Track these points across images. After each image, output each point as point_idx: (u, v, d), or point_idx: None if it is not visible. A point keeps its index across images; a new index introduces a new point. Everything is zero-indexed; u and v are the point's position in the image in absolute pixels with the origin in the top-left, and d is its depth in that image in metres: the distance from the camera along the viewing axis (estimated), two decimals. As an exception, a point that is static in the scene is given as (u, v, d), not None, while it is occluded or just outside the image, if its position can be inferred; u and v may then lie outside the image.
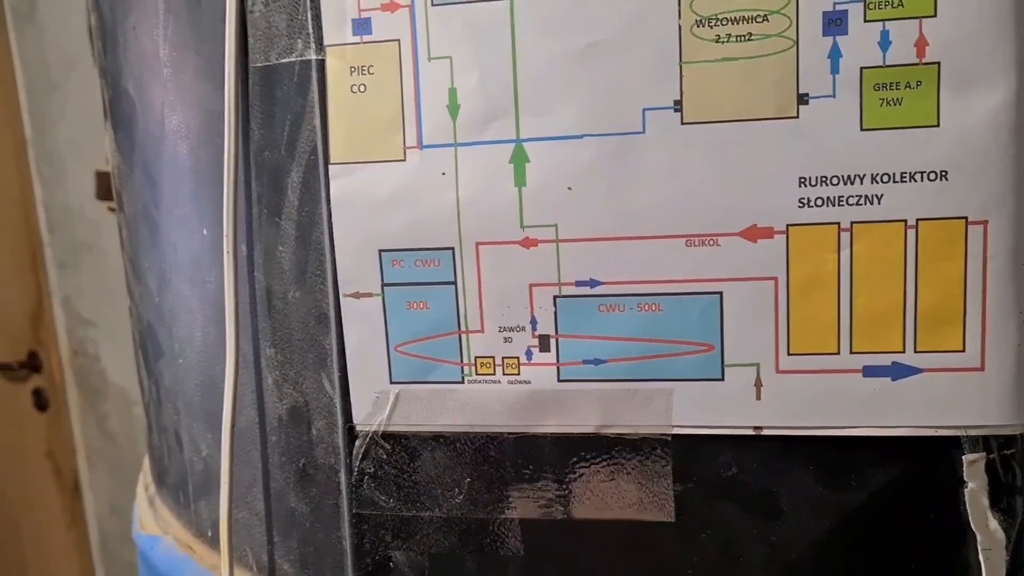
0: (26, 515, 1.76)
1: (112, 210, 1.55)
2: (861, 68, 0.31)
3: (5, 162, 1.65)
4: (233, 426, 0.40)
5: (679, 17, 0.32)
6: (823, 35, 0.31)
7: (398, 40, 0.34)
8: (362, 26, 0.34)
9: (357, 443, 0.37)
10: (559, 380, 0.35)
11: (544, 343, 0.35)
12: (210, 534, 0.45)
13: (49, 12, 1.55)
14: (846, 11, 0.31)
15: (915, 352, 0.32)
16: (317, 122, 0.35)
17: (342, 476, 0.38)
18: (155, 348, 0.47)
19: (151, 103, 0.42)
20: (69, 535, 1.78)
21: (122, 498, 1.71)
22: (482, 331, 0.35)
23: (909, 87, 0.31)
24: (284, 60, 0.36)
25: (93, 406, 1.71)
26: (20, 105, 1.64)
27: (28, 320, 1.71)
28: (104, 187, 1.53)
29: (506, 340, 0.35)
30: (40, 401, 1.75)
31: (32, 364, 1.73)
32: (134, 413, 1.65)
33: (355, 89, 0.35)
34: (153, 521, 0.51)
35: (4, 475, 1.72)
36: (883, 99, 0.31)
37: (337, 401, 0.37)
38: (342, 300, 0.36)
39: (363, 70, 0.34)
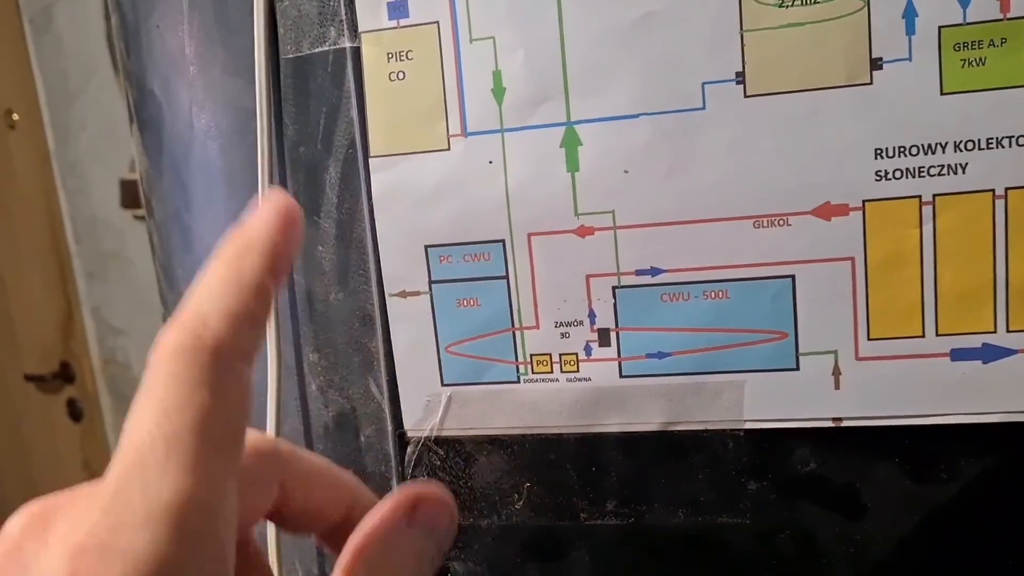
0: (65, 526, 1.76)
1: (138, 218, 1.55)
2: (939, 27, 0.29)
3: (30, 175, 1.65)
4: (278, 435, 0.38)
5: (738, -18, 0.30)
6: (896, -6, 0.29)
7: (437, 22, 0.32)
8: (398, 9, 0.32)
9: (409, 450, 0.35)
10: (621, 376, 0.33)
11: (604, 337, 0.33)
12: (257, 547, 0.44)
13: (66, 22, 1.55)
14: (921, -34, 0.28)
15: (1008, 332, 0.30)
16: (354, 114, 0.34)
17: (394, 484, 0.36)
18: (192, 357, 0.45)
19: (178, 103, 0.41)
20: (108, 544, 1.79)
21: (159, 506, 1.71)
22: (537, 327, 0.33)
23: (993, 45, 0.28)
24: (317, 50, 0.34)
25: (126, 415, 1.71)
26: (42, 118, 1.65)
27: (59, 331, 1.71)
28: (129, 195, 1.52)
29: (563, 336, 0.33)
30: (74, 411, 1.75)
31: (65, 375, 1.73)
32: (168, 420, 1.64)
33: (393, 77, 0.33)
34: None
35: (42, 487, 1.72)
36: (964, 60, 0.29)
37: (386, 406, 0.36)
38: (388, 300, 0.34)
39: (401, 56, 0.32)
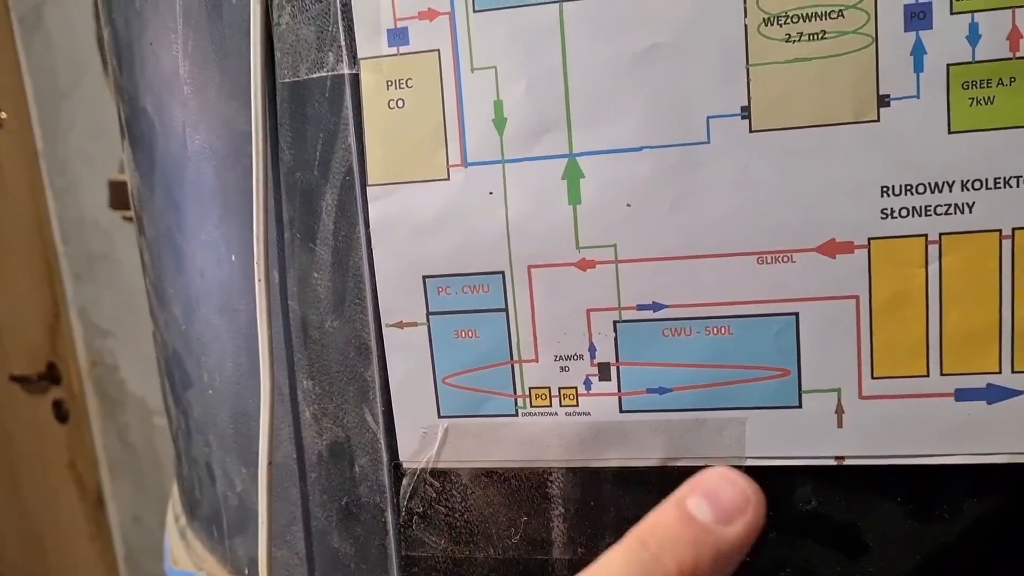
0: (50, 527, 1.75)
1: (127, 219, 1.54)
2: (948, 65, 0.28)
3: (18, 175, 1.64)
4: (271, 463, 0.37)
5: (745, 15, 0.29)
6: (905, 30, 0.28)
7: (438, 50, 0.31)
8: (398, 36, 0.32)
9: (404, 481, 0.35)
10: (621, 411, 0.32)
11: (604, 372, 0.32)
12: (247, 572, 0.43)
13: (55, 21, 1.53)
14: (930, 3, 0.28)
15: (1013, 372, 0.29)
16: (352, 140, 0.33)
17: (388, 516, 0.36)
18: (183, 377, 0.44)
19: (171, 122, 0.40)
20: (93, 546, 1.78)
21: (145, 508, 1.70)
22: (536, 360, 0.33)
23: (1002, 84, 0.28)
24: (315, 75, 0.33)
25: (113, 417, 1.70)
26: (31, 116, 1.63)
27: (46, 332, 1.70)
28: (118, 196, 1.51)
29: (563, 369, 0.33)
30: (60, 413, 1.74)
31: (51, 376, 1.72)
32: (154, 423, 1.64)
33: (393, 104, 0.32)
34: (186, 555, 0.49)
35: (27, 488, 1.72)
36: (973, 98, 0.28)
37: (381, 437, 0.35)
38: (384, 330, 0.34)
39: (401, 83, 0.32)
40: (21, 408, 1.75)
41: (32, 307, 1.70)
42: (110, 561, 1.78)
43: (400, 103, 0.32)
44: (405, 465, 0.35)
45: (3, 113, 1.64)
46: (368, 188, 0.33)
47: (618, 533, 0.33)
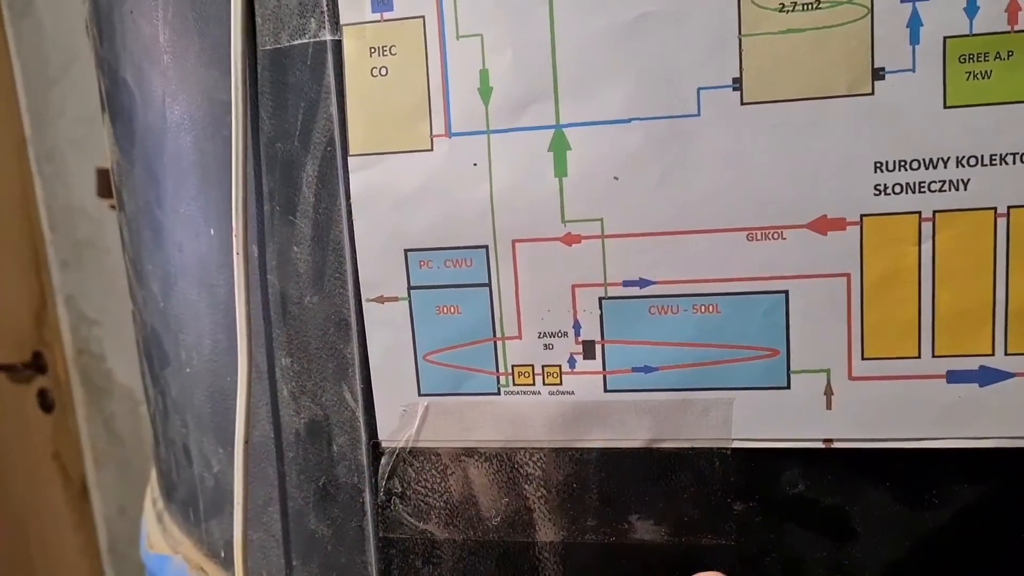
0: (33, 517, 1.74)
1: (114, 207, 1.52)
2: (944, 38, 0.27)
3: (5, 161, 1.62)
4: (247, 441, 0.37)
5: (738, -15, 0.28)
6: (901, 1, 0.28)
7: (423, 17, 0.31)
8: (382, 2, 0.31)
9: (383, 460, 0.34)
10: (605, 390, 0.32)
11: (589, 350, 0.31)
12: (223, 555, 0.42)
13: (46, 6, 1.52)
14: (927, -26, 0.27)
15: (1006, 355, 0.29)
16: (334, 110, 0.32)
17: (367, 496, 0.35)
18: (160, 356, 0.44)
19: (151, 93, 0.39)
20: (77, 537, 1.76)
21: (130, 499, 1.68)
22: (520, 337, 0.32)
23: (999, 58, 0.27)
24: (296, 42, 0.32)
25: (99, 406, 1.69)
26: (19, 102, 1.62)
27: (32, 320, 1.68)
28: (105, 184, 1.50)
29: (546, 347, 0.32)
30: (45, 402, 1.72)
31: (36, 365, 1.70)
32: (140, 413, 1.62)
33: (376, 72, 0.31)
34: (162, 539, 0.48)
35: (10, 477, 1.70)
36: (969, 72, 0.28)
37: (360, 415, 0.34)
38: (364, 305, 0.33)
39: (384, 51, 0.31)
40: (5, 397, 1.73)
41: (18, 295, 1.69)
42: (93, 552, 1.77)
43: (383, 71, 0.31)
44: (384, 444, 0.34)
45: (-9, 98, 1.62)
46: (349, 158, 0.32)
47: (601, 516, 0.32)
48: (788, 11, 0.28)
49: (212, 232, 0.37)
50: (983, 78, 0.27)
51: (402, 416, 0.33)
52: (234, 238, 0.35)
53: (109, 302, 1.60)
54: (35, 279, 1.67)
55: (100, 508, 1.75)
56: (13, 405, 1.70)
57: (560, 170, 0.30)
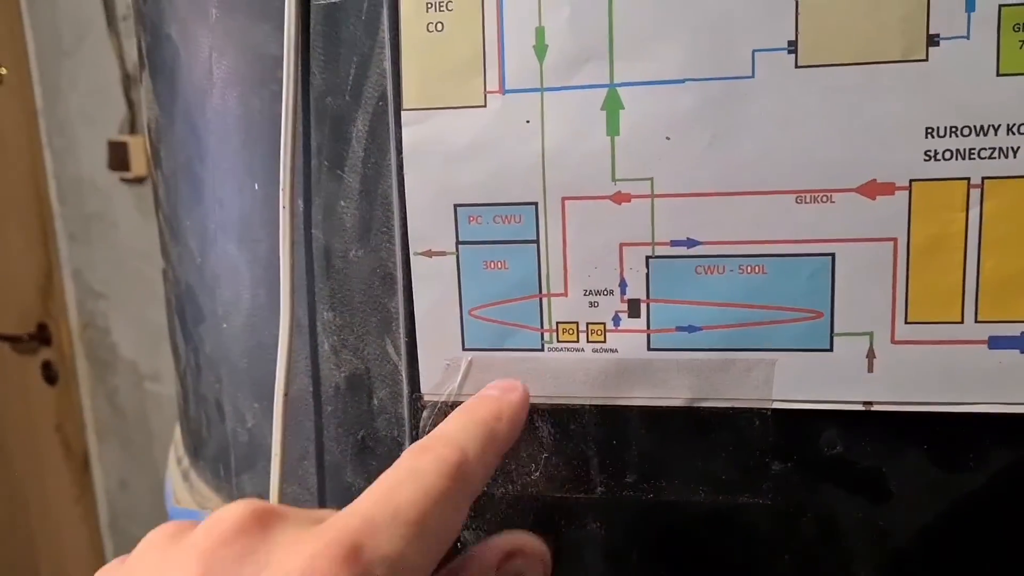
0: (35, 488, 1.74)
1: (125, 181, 1.52)
2: (1000, 5, 0.28)
3: (16, 132, 1.62)
4: (286, 394, 0.37)
5: (796, -52, 0.29)
6: (958, -31, 0.28)
7: (480, -27, 0.31)
8: (441, -43, 0.31)
9: (424, 414, 0.34)
10: (649, 348, 0.32)
11: (634, 308, 0.32)
12: (253, 510, 0.43)
13: (62, -23, 1.52)
14: (985, -59, 0.28)
15: (1048, 321, 0.29)
16: (388, 64, 0.32)
17: (406, 448, 0.35)
18: (195, 312, 0.44)
19: (197, 48, 0.39)
20: (77, 509, 1.77)
21: (132, 473, 1.69)
22: (565, 294, 0.32)
23: (1054, 28, 0.28)
24: (352, -4, 0.33)
25: (103, 380, 1.69)
26: (31, 74, 1.61)
27: (38, 292, 1.69)
28: (117, 157, 1.50)
29: (592, 304, 0.32)
30: (49, 374, 1.73)
31: (41, 336, 1.70)
32: (145, 388, 1.63)
33: (431, 28, 0.32)
34: (189, 495, 0.48)
35: (13, 448, 1.70)
36: (1023, 40, 0.28)
37: (403, 368, 0.35)
38: (412, 259, 0.33)
39: (440, 6, 0.31)
40: (9, 368, 1.73)
41: (25, 266, 1.69)
42: (94, 525, 1.77)
43: (439, 26, 0.32)
44: (426, 398, 0.34)
45: (3, 69, 1.62)
46: (402, 112, 0.32)
47: (640, 472, 0.33)
48: (845, -24, 0.29)
49: (256, 187, 0.38)
50: (1037, 47, 0.28)
51: (445, 370, 0.34)
52: (281, 192, 0.35)
53: (116, 276, 1.60)
54: (42, 251, 1.67)
55: (101, 481, 1.76)
56: (17, 376, 1.71)
57: (612, 129, 0.31)
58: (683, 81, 0.30)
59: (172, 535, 0.24)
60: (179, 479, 0.50)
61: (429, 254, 0.33)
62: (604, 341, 0.32)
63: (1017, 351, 0.29)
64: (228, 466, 0.44)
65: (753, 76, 0.30)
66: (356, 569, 0.21)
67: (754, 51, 0.29)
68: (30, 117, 1.62)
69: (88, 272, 1.66)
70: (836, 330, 0.31)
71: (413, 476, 0.25)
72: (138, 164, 1.46)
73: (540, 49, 0.31)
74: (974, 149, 0.29)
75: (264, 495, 0.39)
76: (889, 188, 0.29)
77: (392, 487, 0.24)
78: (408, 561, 0.23)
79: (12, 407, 1.71)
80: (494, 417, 0.29)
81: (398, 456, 0.35)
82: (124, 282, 1.59)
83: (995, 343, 0.30)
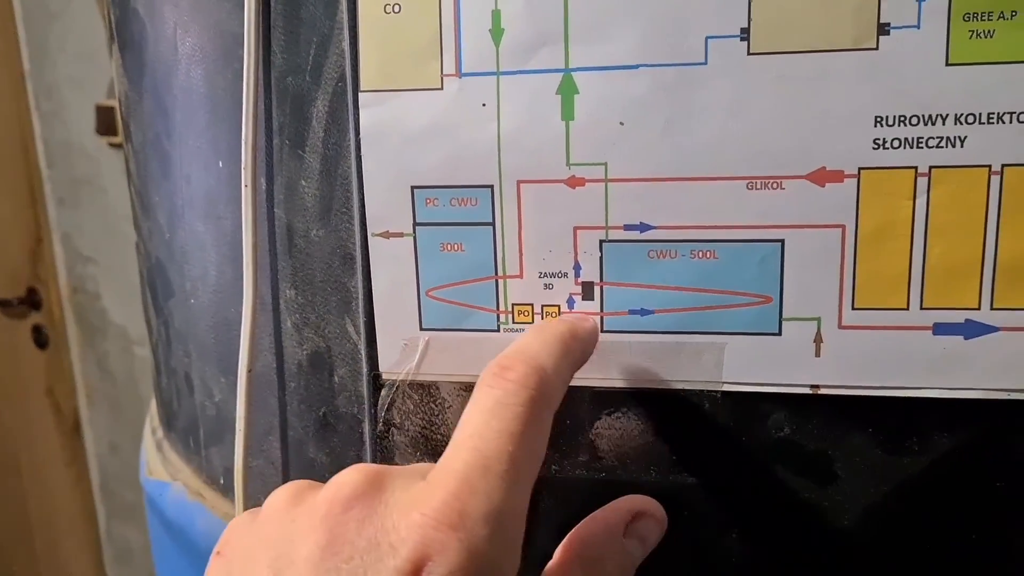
0: (26, 452, 1.76)
1: (113, 145, 1.52)
2: (950, -4, 0.28)
3: (3, 96, 1.61)
4: (250, 371, 0.37)
5: (750, -65, 0.29)
6: (910, -42, 0.28)
7: (437, -45, 0.31)
8: (398, -61, 0.31)
9: (383, 392, 0.35)
10: (603, 331, 0.32)
11: (587, 291, 0.32)
12: (222, 481, 0.44)
13: (47, -62, 1.50)
14: (937, -69, 0.28)
15: (991, 309, 0.30)
16: (346, 45, 0.33)
17: (366, 426, 0.36)
18: (164, 287, 0.44)
19: (163, 24, 0.39)
20: (69, 472, 1.78)
21: (122, 437, 1.70)
22: (521, 276, 0.33)
23: (1003, 18, 0.28)
24: (311, -24, 0.33)
25: (93, 344, 1.70)
26: (18, 37, 1.60)
27: (27, 256, 1.69)
28: (105, 122, 1.49)
29: (547, 287, 0.33)
30: (40, 338, 1.73)
31: (31, 301, 1.71)
32: (135, 352, 1.63)
33: (388, 9, 0.32)
34: (161, 466, 0.49)
35: (3, 412, 1.71)
36: (973, 31, 0.28)
37: (362, 347, 0.35)
38: (370, 240, 0.34)
39: (398, -12, 0.31)
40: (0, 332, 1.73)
41: (14, 231, 1.68)
42: (85, 488, 1.79)
43: (396, 8, 0.32)
44: (384, 376, 0.35)
45: (-10, 31, 1.61)
46: (360, 94, 0.32)
47: (592, 453, 0.34)
48: (798, -37, 0.29)
49: (220, 165, 0.38)
50: (986, 37, 0.28)
51: (403, 350, 0.34)
52: (243, 171, 0.36)
53: (105, 241, 1.60)
54: (31, 215, 1.67)
55: (92, 445, 1.77)
56: (7, 340, 1.71)
57: (567, 114, 0.31)
58: (637, 67, 0.30)
59: (293, 497, 0.27)
60: (153, 450, 0.51)
61: (387, 235, 0.33)
62: (558, 323, 0.33)
63: (960, 337, 0.30)
64: (197, 439, 0.44)
65: (706, 63, 0.30)
66: (461, 534, 0.23)
67: (707, 38, 0.30)
68: (17, 81, 1.61)
69: (77, 237, 1.66)
70: (785, 315, 0.31)
71: (498, 416, 0.26)
72: (126, 129, 1.45)
73: (496, 33, 0.31)
74: (922, 138, 0.29)
75: (231, 468, 0.39)
76: (838, 176, 0.30)
77: (480, 433, 0.25)
78: (507, 508, 0.24)
79: (3, 371, 1.72)
80: (570, 335, 0.30)
81: (358, 433, 0.36)
82: (113, 247, 1.59)
83: (939, 329, 0.30)
